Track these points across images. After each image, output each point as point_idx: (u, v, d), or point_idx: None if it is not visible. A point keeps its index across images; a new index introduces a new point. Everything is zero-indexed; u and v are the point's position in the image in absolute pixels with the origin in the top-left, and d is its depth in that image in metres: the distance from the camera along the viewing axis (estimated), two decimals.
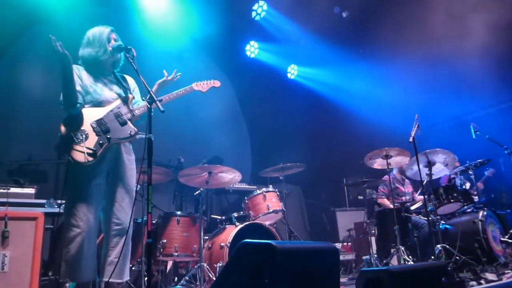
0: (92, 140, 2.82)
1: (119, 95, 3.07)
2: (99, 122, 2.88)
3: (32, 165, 5.22)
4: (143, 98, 2.64)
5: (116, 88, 3.11)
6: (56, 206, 3.73)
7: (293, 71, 8.72)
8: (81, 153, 2.75)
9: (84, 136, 2.79)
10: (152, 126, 2.53)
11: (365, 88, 7.64)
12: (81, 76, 2.97)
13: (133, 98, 3.12)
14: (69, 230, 2.78)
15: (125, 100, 3.05)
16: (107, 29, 3.09)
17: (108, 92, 3.04)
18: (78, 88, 2.90)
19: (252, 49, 8.13)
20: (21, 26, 5.49)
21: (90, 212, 2.82)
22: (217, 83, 3.52)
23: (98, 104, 2.96)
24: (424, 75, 6.96)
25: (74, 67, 2.98)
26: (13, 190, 3.31)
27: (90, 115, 2.89)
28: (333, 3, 7.53)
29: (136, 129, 3.00)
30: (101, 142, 2.83)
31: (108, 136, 2.87)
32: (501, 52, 6.26)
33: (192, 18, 6.70)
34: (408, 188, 5.73)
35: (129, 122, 2.98)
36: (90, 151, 2.77)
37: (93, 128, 2.85)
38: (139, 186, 3.13)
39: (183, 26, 6.77)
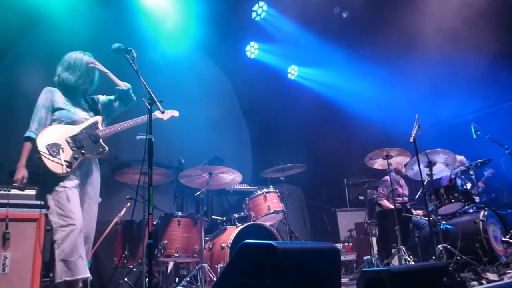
0: (68, 153, 3.02)
1: (91, 116, 3.28)
2: (74, 138, 3.08)
3: (33, 166, 5.20)
4: (143, 99, 2.66)
5: (87, 109, 3.31)
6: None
7: (293, 72, 8.72)
8: (58, 165, 2.94)
9: (59, 149, 2.98)
10: (152, 127, 2.54)
11: (365, 88, 7.64)
12: (53, 99, 3.17)
13: (104, 119, 3.33)
14: (60, 231, 2.82)
15: (97, 121, 3.25)
16: (86, 56, 3.29)
17: (81, 112, 3.24)
18: (42, 114, 3.12)
19: (252, 49, 8.13)
20: (22, 27, 5.50)
21: (77, 210, 2.93)
22: (176, 113, 3.82)
23: (72, 122, 3.16)
24: (424, 75, 6.95)
25: (47, 90, 3.20)
26: (14, 191, 3.30)
27: (65, 131, 3.09)
28: (333, 4, 7.52)
29: (106, 147, 3.19)
30: (76, 156, 3.04)
31: (83, 151, 3.08)
32: (502, 52, 6.26)
33: (192, 19, 6.71)
34: (405, 190, 5.73)
35: (100, 140, 3.19)
36: (67, 163, 2.96)
37: (68, 143, 3.05)
38: (100, 199, 3.30)
39: (183, 27, 6.78)
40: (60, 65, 3.27)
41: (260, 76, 7.99)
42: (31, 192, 3.44)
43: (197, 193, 4.63)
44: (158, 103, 2.62)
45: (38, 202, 3.59)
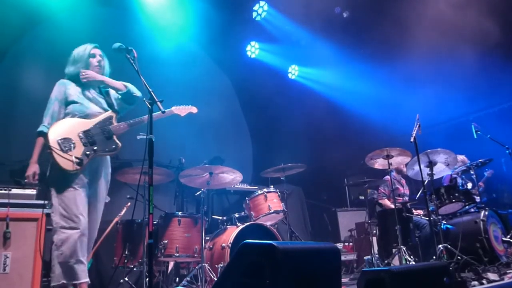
0: (79, 150, 2.94)
1: (105, 110, 3.20)
2: (86, 134, 3.00)
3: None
4: (144, 98, 2.66)
5: (101, 102, 3.23)
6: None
7: (294, 71, 8.72)
8: (68, 161, 2.86)
9: (72, 145, 2.91)
10: (153, 127, 2.53)
11: (366, 88, 7.63)
12: (67, 92, 3.09)
13: (118, 113, 3.24)
14: (60, 233, 2.79)
15: (111, 116, 3.17)
16: (90, 46, 3.24)
17: (95, 106, 3.16)
18: (55, 108, 3.06)
19: (253, 49, 8.14)
20: (22, 26, 5.50)
21: (80, 213, 2.86)
22: (194, 109, 3.73)
23: (85, 116, 3.08)
24: (425, 75, 6.95)
25: (61, 83, 3.13)
26: (14, 191, 3.31)
27: (77, 126, 3.01)
28: (334, 3, 7.52)
29: (119, 143, 3.13)
30: (87, 152, 2.95)
31: (95, 148, 3.00)
32: (503, 52, 6.26)
33: (192, 19, 6.71)
34: (406, 189, 5.73)
35: (114, 136, 3.11)
36: (78, 160, 2.88)
37: (81, 138, 2.97)
38: (108, 198, 3.27)
39: (184, 27, 6.78)
40: (68, 62, 3.23)
41: (260, 75, 7.98)
42: (32, 191, 3.45)
43: (198, 193, 4.64)
44: (158, 103, 2.59)
45: (39, 201, 3.60)
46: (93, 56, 3.22)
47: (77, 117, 3.05)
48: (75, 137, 2.95)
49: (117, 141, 3.12)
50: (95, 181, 3.08)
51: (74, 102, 3.07)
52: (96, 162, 3.08)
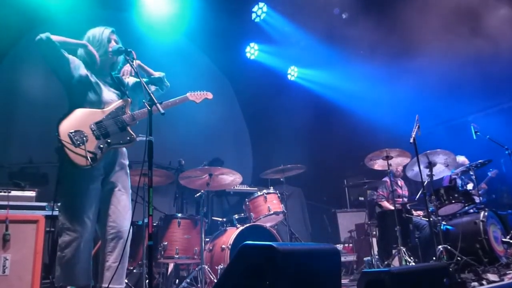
0: (92, 143, 2.76)
1: (118, 98, 3.02)
2: (99, 125, 2.82)
3: (33, 168, 5.23)
4: (143, 100, 2.62)
5: (114, 90, 3.04)
6: (57, 209, 3.73)
7: (293, 73, 8.72)
8: (82, 157, 2.68)
9: (84, 138, 2.73)
10: (152, 128, 2.52)
11: (365, 89, 7.64)
12: (79, 72, 2.88)
13: (132, 101, 3.05)
14: (65, 235, 2.73)
15: (124, 104, 2.99)
16: (108, 29, 3.04)
17: (107, 93, 2.97)
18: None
19: (252, 50, 8.13)
20: (22, 28, 5.51)
21: (87, 216, 2.77)
22: (210, 95, 3.58)
23: (97, 104, 2.89)
24: (424, 76, 6.96)
25: (74, 58, 2.91)
26: (14, 193, 3.31)
27: (89, 116, 2.82)
28: (333, 5, 7.53)
29: (134, 134, 2.96)
30: (101, 146, 2.78)
31: (109, 141, 2.83)
32: (502, 52, 6.26)
33: (192, 20, 6.71)
34: (405, 191, 5.73)
35: (128, 127, 2.94)
36: (91, 155, 2.71)
37: (93, 131, 2.79)
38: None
39: (183, 28, 6.78)
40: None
41: (260, 77, 7.99)
42: (31, 193, 3.45)
43: (197, 194, 4.63)
44: (158, 105, 2.53)
45: (38, 203, 3.60)
46: (110, 41, 3.00)
47: (88, 104, 2.85)
48: (87, 129, 2.75)
49: (132, 132, 2.94)
50: (112, 173, 2.92)
51: (87, 84, 2.86)
52: (111, 156, 2.91)
